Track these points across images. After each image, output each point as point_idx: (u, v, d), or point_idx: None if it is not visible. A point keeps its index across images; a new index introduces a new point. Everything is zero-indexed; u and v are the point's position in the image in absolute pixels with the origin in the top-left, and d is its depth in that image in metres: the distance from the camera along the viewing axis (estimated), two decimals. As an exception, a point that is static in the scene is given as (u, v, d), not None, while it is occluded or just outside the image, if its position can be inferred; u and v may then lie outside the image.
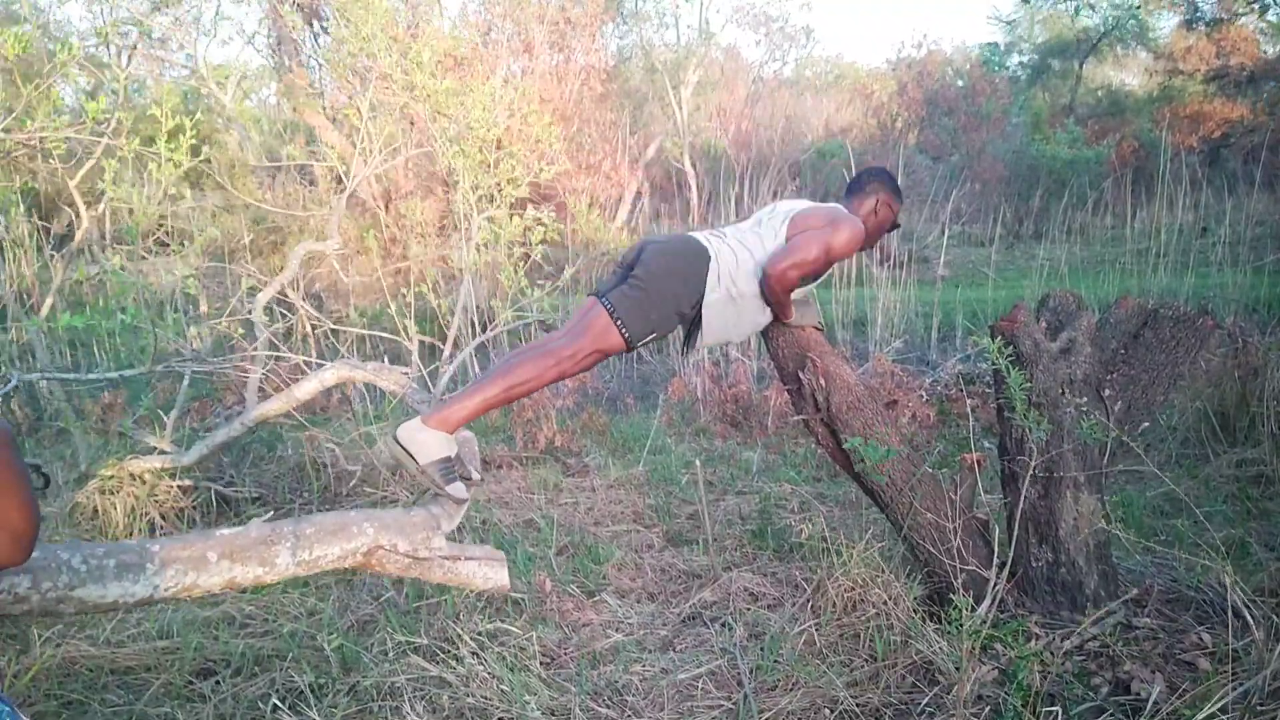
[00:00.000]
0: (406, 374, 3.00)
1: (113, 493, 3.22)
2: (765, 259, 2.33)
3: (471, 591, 2.56)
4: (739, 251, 2.33)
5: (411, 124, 5.79)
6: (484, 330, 4.79)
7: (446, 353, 4.21)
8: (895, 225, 2.58)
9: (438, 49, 5.59)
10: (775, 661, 2.23)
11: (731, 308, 2.35)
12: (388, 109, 5.71)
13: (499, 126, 5.05)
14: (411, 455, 2.05)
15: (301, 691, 2.18)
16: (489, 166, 4.72)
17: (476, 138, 4.85)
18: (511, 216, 4.72)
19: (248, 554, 1.65)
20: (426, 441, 2.06)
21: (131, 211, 4.01)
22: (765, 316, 2.42)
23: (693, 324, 2.40)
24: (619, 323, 2.21)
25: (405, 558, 1.84)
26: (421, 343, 4.37)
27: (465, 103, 5.04)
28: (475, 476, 2.18)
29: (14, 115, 3.65)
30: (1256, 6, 14.32)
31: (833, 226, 2.33)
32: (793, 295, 2.41)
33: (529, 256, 4.73)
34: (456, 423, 2.10)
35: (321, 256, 5.63)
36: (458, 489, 2.04)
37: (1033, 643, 2.16)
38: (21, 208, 4.77)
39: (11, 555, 0.88)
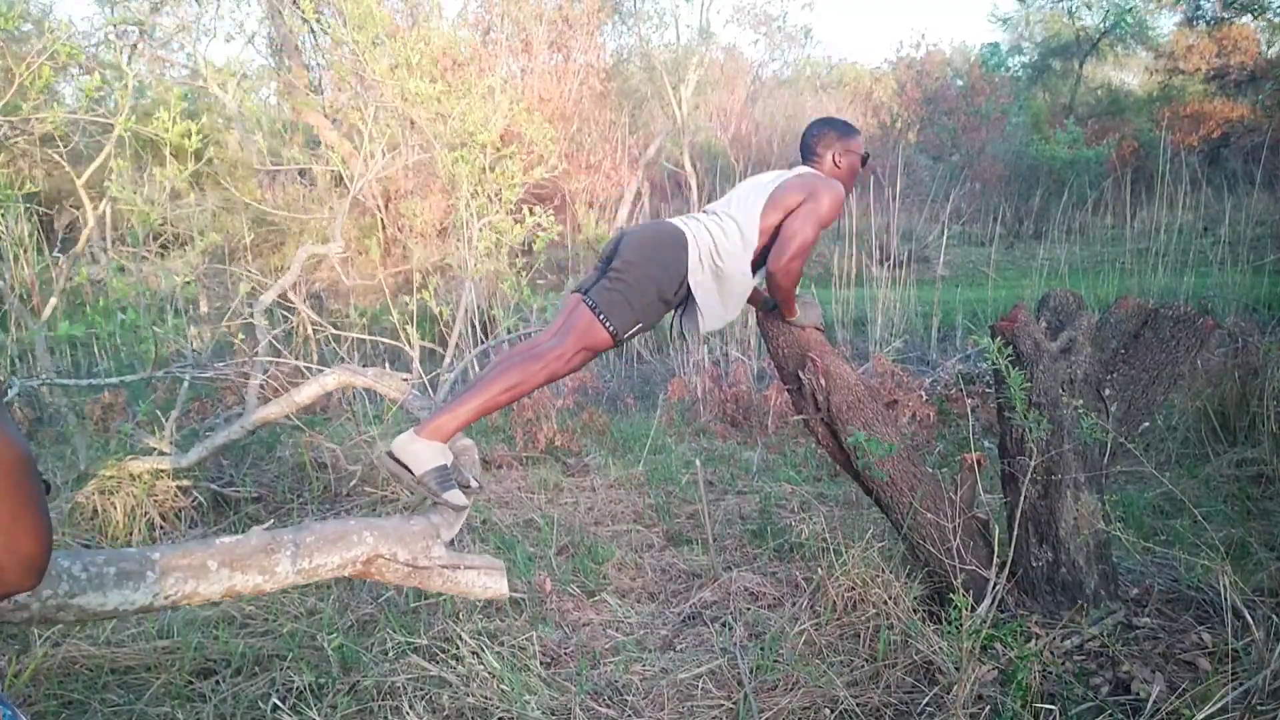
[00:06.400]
0: (407, 380, 3.00)
1: (112, 493, 3.22)
2: (749, 231, 2.31)
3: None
4: (715, 230, 2.31)
5: (412, 124, 5.79)
6: (486, 337, 4.78)
7: (448, 360, 4.20)
8: (865, 159, 2.56)
9: (432, 50, 5.56)
10: (775, 661, 2.23)
11: (720, 286, 2.33)
12: (387, 110, 5.70)
13: (496, 129, 5.04)
14: (406, 467, 2.05)
15: (301, 691, 2.18)
16: (485, 171, 4.70)
17: (476, 143, 4.84)
18: (514, 223, 4.72)
19: (248, 562, 1.65)
20: (419, 452, 2.05)
21: (134, 213, 3.99)
22: (751, 284, 2.40)
23: (684, 307, 2.38)
24: (602, 318, 2.20)
25: (405, 566, 1.84)
26: (422, 347, 4.36)
27: (462, 106, 5.02)
28: (474, 484, 2.17)
29: (5, 99, 3.63)
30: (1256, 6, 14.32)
31: (813, 199, 2.30)
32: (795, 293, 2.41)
33: (532, 266, 4.74)
34: (449, 432, 2.10)
35: (322, 257, 5.62)
36: (455, 496, 2.03)
37: (1033, 643, 2.16)
38: (22, 207, 4.76)
39: (22, 581, 0.87)
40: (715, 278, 2.32)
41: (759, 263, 2.39)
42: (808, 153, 2.54)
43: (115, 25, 8.31)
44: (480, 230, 4.66)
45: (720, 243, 2.30)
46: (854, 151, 2.52)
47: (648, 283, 2.24)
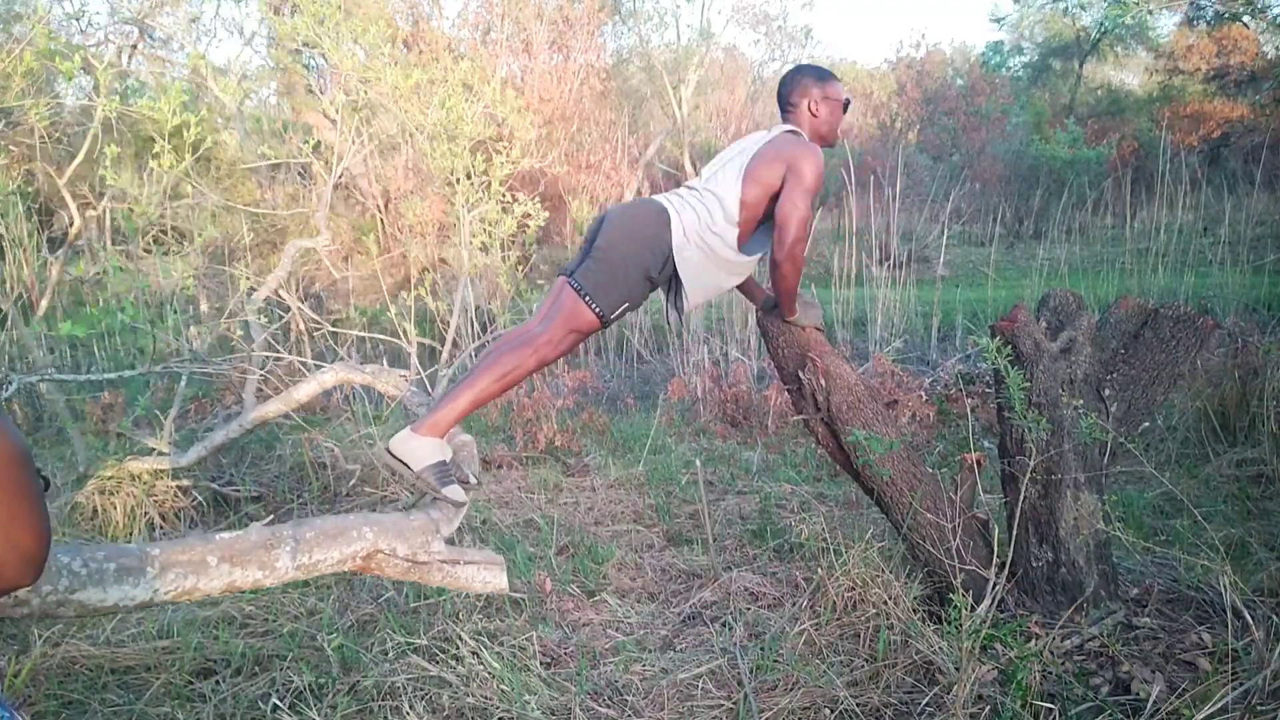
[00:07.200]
0: (405, 377, 3.00)
1: (112, 493, 3.22)
2: (729, 205, 2.26)
3: (471, 594, 2.56)
4: (699, 207, 2.28)
5: (399, 124, 5.78)
6: (484, 332, 4.79)
7: (445, 355, 4.20)
8: (846, 105, 2.47)
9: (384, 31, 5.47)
10: (775, 661, 2.23)
11: (708, 262, 2.30)
12: (377, 106, 5.69)
13: (482, 123, 5.01)
14: (405, 463, 2.05)
15: (301, 691, 2.18)
16: (472, 160, 4.70)
17: (464, 136, 4.83)
18: (504, 211, 4.71)
19: (248, 558, 1.65)
20: (417, 449, 2.05)
21: (130, 210, 3.99)
22: (744, 265, 2.36)
23: (671, 287, 2.35)
24: (588, 300, 2.18)
25: (404, 561, 1.84)
26: (421, 345, 4.36)
27: (440, 95, 4.99)
28: (474, 480, 2.17)
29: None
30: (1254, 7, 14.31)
31: (793, 173, 2.22)
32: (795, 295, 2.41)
33: (528, 259, 4.74)
34: (446, 426, 2.10)
35: (319, 255, 5.62)
36: (455, 491, 2.04)
37: (1033, 643, 2.16)
38: (20, 207, 4.76)
39: (21, 577, 0.88)
40: (702, 253, 2.27)
41: (749, 235, 2.34)
42: (784, 104, 2.44)
43: (83, 22, 8.34)
44: (472, 224, 4.66)
45: (704, 219, 2.26)
46: (832, 98, 2.41)
47: (631, 261, 2.21)
